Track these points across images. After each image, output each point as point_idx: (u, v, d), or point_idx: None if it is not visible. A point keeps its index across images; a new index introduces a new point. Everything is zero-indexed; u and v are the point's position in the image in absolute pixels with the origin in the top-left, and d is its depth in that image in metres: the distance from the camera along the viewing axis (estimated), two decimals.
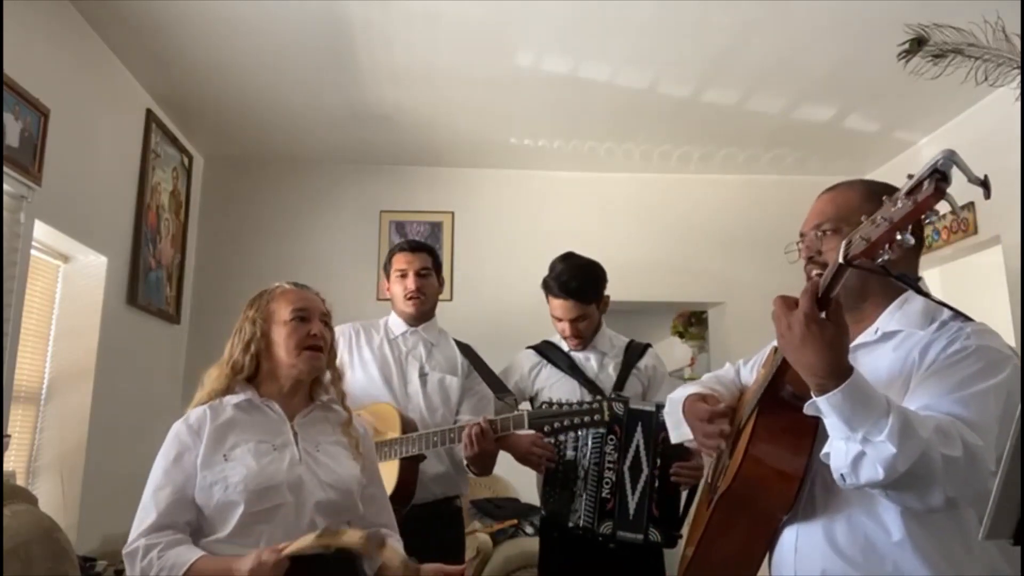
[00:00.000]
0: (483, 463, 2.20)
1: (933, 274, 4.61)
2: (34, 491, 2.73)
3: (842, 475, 1.10)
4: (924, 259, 4.91)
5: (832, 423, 1.09)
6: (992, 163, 3.72)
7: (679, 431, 1.59)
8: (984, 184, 0.90)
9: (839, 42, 3.30)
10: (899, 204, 0.93)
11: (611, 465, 2.26)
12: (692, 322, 6.18)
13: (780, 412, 1.28)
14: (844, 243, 1.02)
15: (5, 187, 2.60)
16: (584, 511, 2.26)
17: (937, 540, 1.17)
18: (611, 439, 2.27)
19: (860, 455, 1.06)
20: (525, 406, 2.50)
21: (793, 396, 1.28)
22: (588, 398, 2.35)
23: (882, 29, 3.08)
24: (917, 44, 3.00)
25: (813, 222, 1.37)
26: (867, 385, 1.08)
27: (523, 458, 2.33)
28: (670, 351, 5.79)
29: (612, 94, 3.79)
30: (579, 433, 2.29)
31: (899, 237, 0.94)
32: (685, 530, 1.85)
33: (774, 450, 1.26)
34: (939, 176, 0.88)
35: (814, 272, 1.32)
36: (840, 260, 1.02)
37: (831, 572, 1.22)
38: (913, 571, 1.16)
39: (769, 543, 1.35)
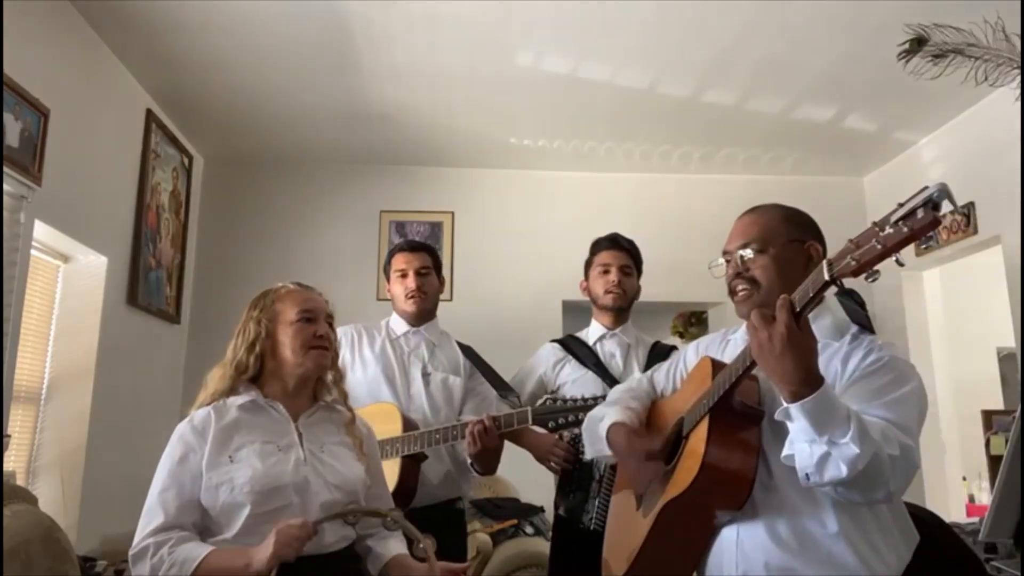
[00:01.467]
0: (487, 461, 2.19)
1: (933, 274, 4.62)
2: (34, 491, 2.73)
3: (807, 474, 1.20)
4: (924, 259, 4.91)
5: (800, 427, 1.19)
6: (992, 163, 3.74)
7: (595, 447, 1.72)
8: (965, 214, 1.00)
9: (839, 42, 3.31)
10: (889, 230, 1.02)
11: None
12: (692, 322, 6.19)
13: (733, 421, 1.37)
14: (826, 263, 1.11)
15: (5, 187, 2.60)
16: (596, 514, 2.25)
17: (863, 531, 1.31)
18: None
19: (825, 456, 1.17)
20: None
21: (743, 405, 1.38)
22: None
23: (882, 29, 3.08)
24: (917, 44, 3.01)
25: (738, 242, 1.48)
26: (833, 393, 1.20)
27: (541, 459, 2.35)
28: None
29: (612, 94, 3.79)
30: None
31: (894, 258, 1.04)
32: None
33: (729, 456, 1.35)
34: (933, 206, 0.97)
35: (740, 287, 1.45)
36: (826, 277, 1.11)
37: (774, 563, 1.33)
38: (844, 557, 1.30)
39: (708, 542, 1.44)
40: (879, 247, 1.03)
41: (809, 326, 1.19)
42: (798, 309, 1.16)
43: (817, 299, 1.15)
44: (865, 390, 1.30)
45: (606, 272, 2.49)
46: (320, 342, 1.67)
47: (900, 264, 1.05)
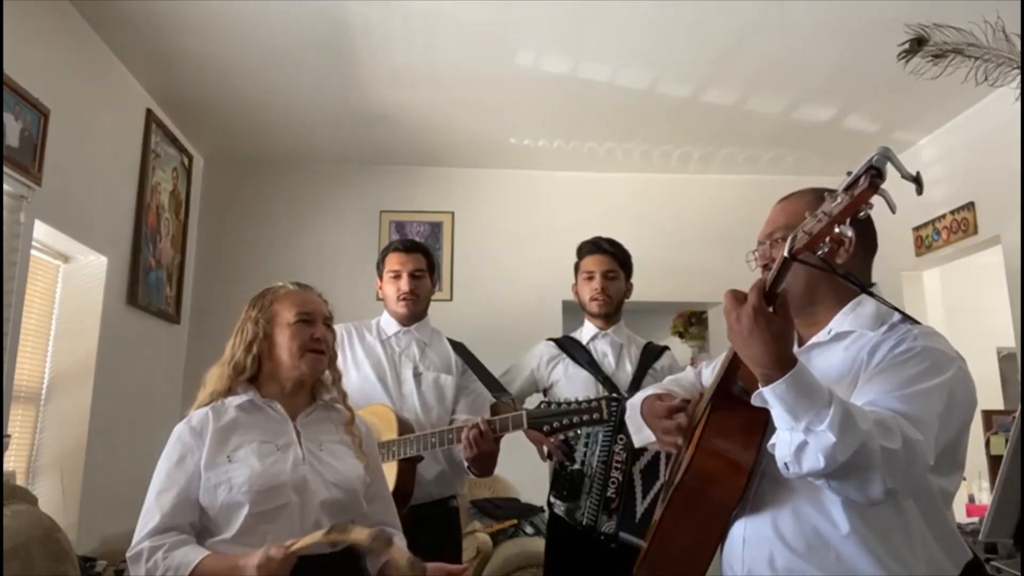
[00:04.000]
0: (484, 464, 2.19)
1: (933, 274, 4.62)
2: (34, 491, 2.73)
3: (786, 464, 1.14)
4: (924, 259, 4.90)
5: (777, 413, 1.13)
6: (992, 163, 3.74)
7: (640, 435, 1.63)
8: (916, 180, 0.95)
9: (839, 42, 3.30)
10: (838, 199, 0.99)
11: (619, 465, 2.27)
12: (692, 322, 6.19)
13: (731, 407, 1.32)
14: (790, 238, 1.09)
15: (5, 187, 2.60)
16: (588, 509, 2.27)
17: (880, 534, 1.21)
18: (620, 439, 2.27)
19: (803, 444, 1.10)
20: (538, 396, 2.52)
21: (743, 392, 1.31)
22: (603, 394, 2.36)
23: (882, 29, 3.08)
24: (917, 44, 3.01)
25: (767, 231, 1.42)
26: (811, 377, 1.13)
27: (535, 441, 2.37)
28: None
29: (612, 94, 3.79)
30: (588, 431, 2.30)
31: (837, 230, 1.00)
32: None
33: (725, 444, 1.30)
34: (874, 172, 0.94)
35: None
36: (785, 254, 1.08)
37: (778, 560, 1.26)
38: (856, 562, 1.21)
39: (721, 537, 1.38)
40: (826, 217, 1.01)
41: (786, 307, 1.14)
42: (766, 289, 1.13)
43: (782, 277, 1.12)
44: (886, 381, 1.20)
45: (590, 278, 2.53)
46: (317, 345, 1.66)
47: (846, 237, 1.01)
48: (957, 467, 1.25)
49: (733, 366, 1.30)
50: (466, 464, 2.21)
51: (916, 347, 1.23)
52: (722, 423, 1.31)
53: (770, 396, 1.12)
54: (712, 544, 1.39)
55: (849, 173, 0.97)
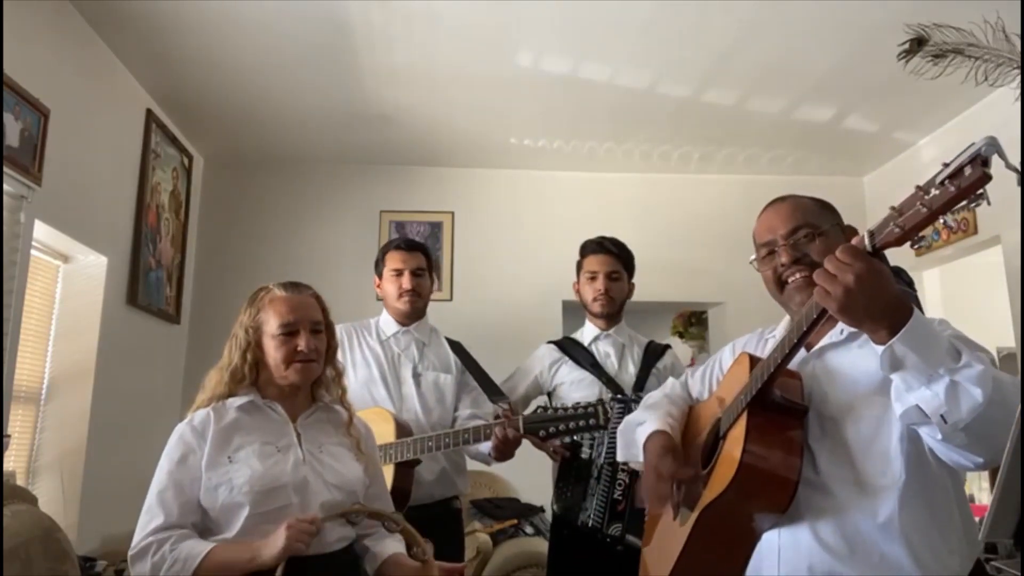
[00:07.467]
0: (507, 455, 2.20)
1: (933, 274, 4.61)
2: (34, 491, 2.73)
3: (943, 416, 1.05)
4: (924, 259, 4.91)
5: (912, 366, 1.06)
6: (992, 163, 3.73)
7: (628, 452, 1.61)
8: (1022, 172, 0.92)
9: (839, 42, 3.31)
10: (934, 191, 0.95)
11: (625, 467, 2.26)
12: (692, 322, 6.19)
13: (772, 416, 1.28)
14: (867, 233, 1.04)
15: (5, 187, 2.60)
16: (594, 510, 2.26)
17: (922, 530, 1.20)
18: None
19: (952, 385, 1.04)
20: (543, 400, 2.52)
21: (785, 400, 1.29)
22: (607, 396, 2.36)
23: (882, 29, 3.08)
24: (917, 44, 3.01)
25: (787, 227, 1.39)
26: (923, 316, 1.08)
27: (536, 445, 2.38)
28: None
29: (612, 94, 3.79)
30: (594, 433, 2.29)
31: (941, 221, 0.97)
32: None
33: (770, 453, 1.26)
34: (982, 162, 0.91)
35: (798, 274, 1.35)
36: (868, 249, 1.05)
37: (818, 568, 1.23)
38: (898, 559, 1.19)
39: (754, 545, 1.35)
40: (925, 210, 0.95)
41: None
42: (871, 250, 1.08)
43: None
44: None
45: (593, 278, 2.52)
46: (301, 356, 1.65)
47: (948, 227, 1.00)
48: None
49: (773, 375, 1.25)
50: (490, 453, 2.20)
51: (949, 329, 1.21)
52: (764, 432, 1.26)
53: (903, 346, 1.05)
54: (744, 557, 1.36)
55: (946, 164, 0.93)
